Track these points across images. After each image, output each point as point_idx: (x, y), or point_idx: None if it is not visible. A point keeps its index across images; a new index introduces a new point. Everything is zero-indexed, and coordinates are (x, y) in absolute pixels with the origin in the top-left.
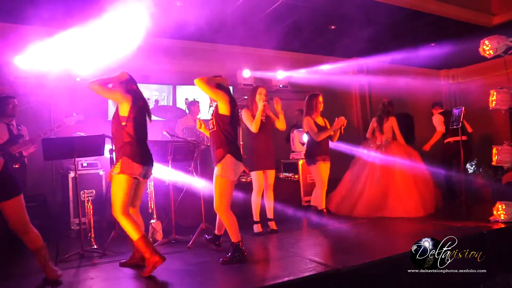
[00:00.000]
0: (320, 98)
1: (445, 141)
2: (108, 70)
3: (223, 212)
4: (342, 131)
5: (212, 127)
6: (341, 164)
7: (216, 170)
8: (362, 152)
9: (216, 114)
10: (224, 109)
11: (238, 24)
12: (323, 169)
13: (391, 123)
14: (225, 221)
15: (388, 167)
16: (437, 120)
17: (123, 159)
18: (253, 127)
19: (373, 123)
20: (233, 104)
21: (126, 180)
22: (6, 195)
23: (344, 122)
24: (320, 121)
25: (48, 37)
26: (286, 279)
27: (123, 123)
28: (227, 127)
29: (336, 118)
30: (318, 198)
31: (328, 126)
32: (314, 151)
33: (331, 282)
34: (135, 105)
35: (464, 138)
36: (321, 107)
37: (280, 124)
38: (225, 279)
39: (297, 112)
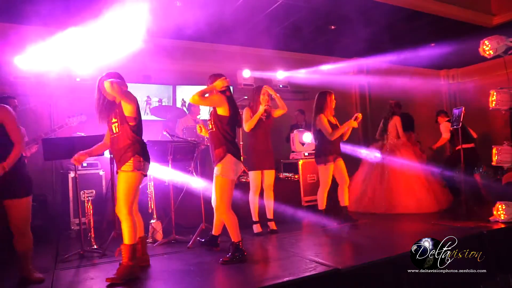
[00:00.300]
0: (333, 96)
1: (457, 148)
2: (108, 70)
3: (224, 212)
4: (357, 125)
5: (210, 127)
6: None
7: (216, 169)
8: (368, 152)
9: (214, 114)
10: (222, 110)
11: (238, 24)
12: (331, 170)
13: (395, 121)
14: (226, 220)
15: (396, 166)
16: (445, 128)
17: (135, 157)
18: (246, 126)
19: (381, 124)
20: (232, 104)
21: (138, 177)
22: (16, 194)
23: (360, 116)
24: (332, 119)
25: (48, 37)
26: (286, 279)
27: (131, 123)
28: (225, 127)
29: (355, 114)
30: (320, 198)
31: (339, 125)
32: (326, 151)
33: (331, 282)
34: (138, 106)
35: (471, 145)
36: (333, 105)
37: (280, 108)
38: (225, 279)
39: (297, 112)
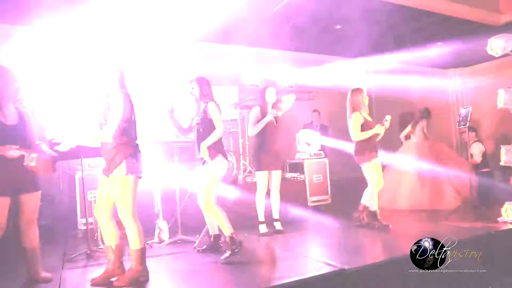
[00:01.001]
0: (365, 93)
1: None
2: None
3: (213, 208)
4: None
5: (201, 130)
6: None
7: (207, 167)
8: (392, 154)
9: (205, 119)
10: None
11: (243, 24)
12: (379, 165)
13: (422, 124)
14: (216, 216)
15: (419, 165)
16: (478, 150)
17: (128, 159)
18: (249, 131)
19: (409, 126)
20: (219, 108)
21: (134, 180)
22: (36, 187)
23: (389, 119)
24: (368, 117)
25: (51, 38)
26: (292, 279)
27: (123, 125)
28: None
29: (386, 117)
30: (372, 198)
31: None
32: (368, 148)
33: (337, 283)
34: (131, 106)
35: (489, 169)
36: (366, 102)
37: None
38: (231, 279)
39: (315, 113)
